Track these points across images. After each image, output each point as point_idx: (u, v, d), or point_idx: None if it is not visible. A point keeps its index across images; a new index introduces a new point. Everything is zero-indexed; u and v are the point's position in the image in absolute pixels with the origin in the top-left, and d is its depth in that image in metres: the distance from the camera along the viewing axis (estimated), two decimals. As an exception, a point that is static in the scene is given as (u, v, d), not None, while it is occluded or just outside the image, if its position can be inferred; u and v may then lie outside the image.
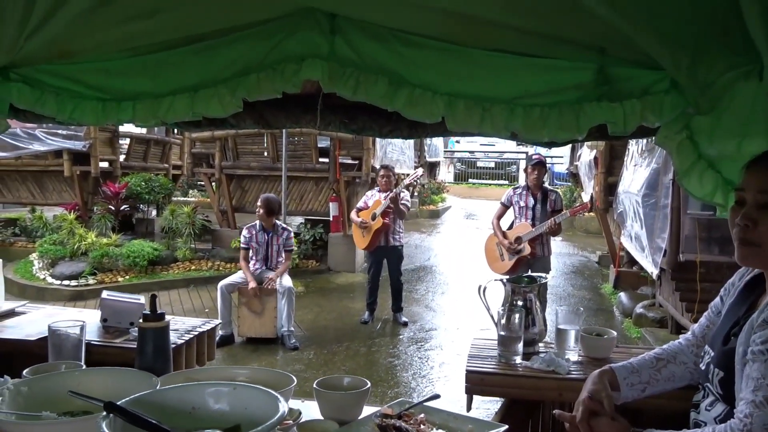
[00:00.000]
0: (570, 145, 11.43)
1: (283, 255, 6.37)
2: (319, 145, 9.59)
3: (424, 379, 5.52)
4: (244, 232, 6.33)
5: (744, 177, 1.42)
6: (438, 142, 19.62)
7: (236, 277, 6.32)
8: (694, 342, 1.73)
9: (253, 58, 1.77)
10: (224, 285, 6.15)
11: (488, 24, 1.59)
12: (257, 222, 6.32)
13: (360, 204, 7.06)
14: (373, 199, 6.89)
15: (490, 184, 22.12)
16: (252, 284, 6.06)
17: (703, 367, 1.56)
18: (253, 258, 6.27)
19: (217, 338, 5.81)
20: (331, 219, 9.44)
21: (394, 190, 6.68)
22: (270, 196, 6.44)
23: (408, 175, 8.09)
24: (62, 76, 1.92)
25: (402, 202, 6.72)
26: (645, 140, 6.61)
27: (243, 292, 6.17)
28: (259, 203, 6.34)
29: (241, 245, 6.31)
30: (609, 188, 8.36)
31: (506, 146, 23.00)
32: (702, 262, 5.72)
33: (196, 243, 9.83)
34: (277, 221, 6.39)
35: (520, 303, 2.41)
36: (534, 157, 6.37)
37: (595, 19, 1.46)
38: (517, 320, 2.30)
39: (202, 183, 12.53)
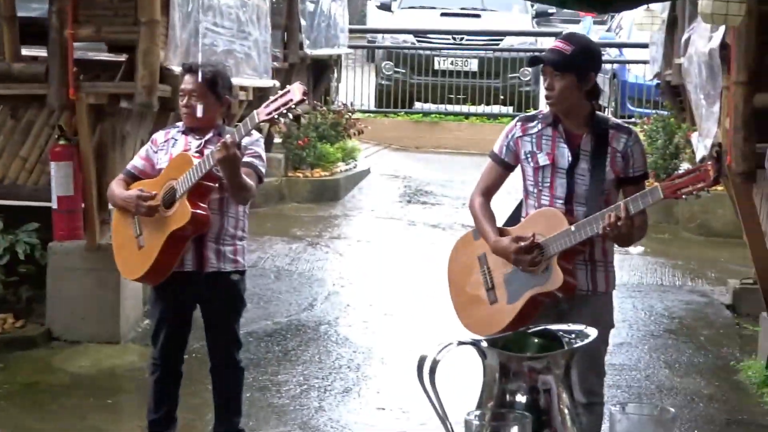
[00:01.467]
0: (660, 28, 7.49)
1: None
2: (19, 14, 5.81)
3: None
4: None
5: None
6: (336, 9, 10.18)
7: None
8: None
9: None
10: None
11: None
12: None
13: (136, 162, 4.20)
14: (169, 148, 4.07)
15: (469, 115, 11.97)
16: None
17: None
18: None
19: None
20: (54, 205, 5.57)
21: (229, 131, 3.96)
22: None
23: (265, 92, 5.42)
24: None
25: (248, 158, 3.92)
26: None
27: None
28: None
29: None
30: (760, 124, 4.78)
31: (505, 15, 11.93)
32: None
33: None
34: None
35: (522, 398, 1.37)
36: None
37: None
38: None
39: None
